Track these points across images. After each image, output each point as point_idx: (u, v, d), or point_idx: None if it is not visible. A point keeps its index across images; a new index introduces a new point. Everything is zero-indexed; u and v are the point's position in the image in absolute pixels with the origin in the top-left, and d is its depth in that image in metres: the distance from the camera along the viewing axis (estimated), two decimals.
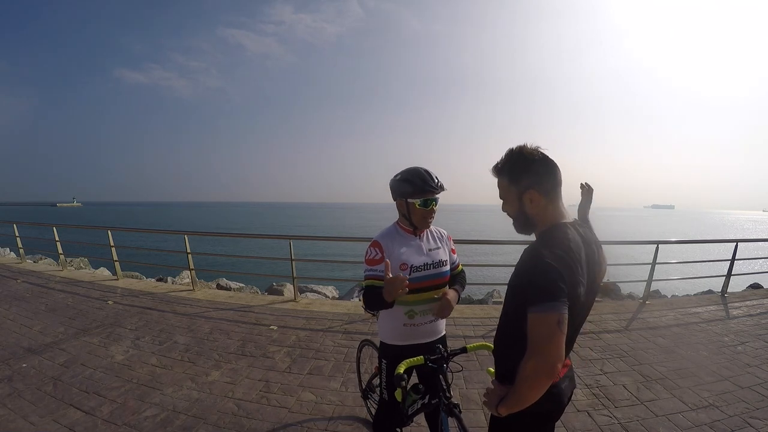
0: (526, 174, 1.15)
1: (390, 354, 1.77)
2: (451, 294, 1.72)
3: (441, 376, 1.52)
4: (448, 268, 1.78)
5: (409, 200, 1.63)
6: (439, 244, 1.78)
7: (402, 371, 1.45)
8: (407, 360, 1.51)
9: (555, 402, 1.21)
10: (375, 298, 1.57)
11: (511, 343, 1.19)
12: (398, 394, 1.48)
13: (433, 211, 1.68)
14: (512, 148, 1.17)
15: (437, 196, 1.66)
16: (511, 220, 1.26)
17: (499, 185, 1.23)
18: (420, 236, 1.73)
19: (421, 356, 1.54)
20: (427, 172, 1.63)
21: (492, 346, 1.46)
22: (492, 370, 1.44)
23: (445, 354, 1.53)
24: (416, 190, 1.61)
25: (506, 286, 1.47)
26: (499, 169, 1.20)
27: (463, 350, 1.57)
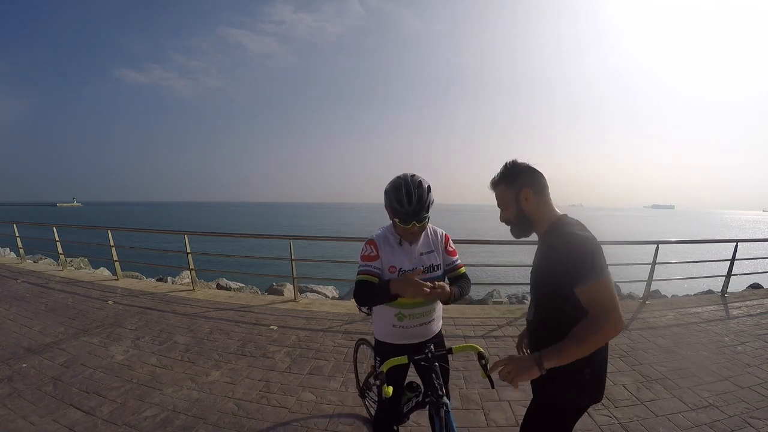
0: (519, 176, 1.36)
1: (382, 351, 1.79)
2: (447, 287, 1.57)
3: (433, 375, 1.54)
4: (440, 272, 1.74)
5: (393, 216, 1.62)
6: (432, 248, 1.74)
7: (385, 370, 1.47)
8: (391, 359, 1.53)
9: (599, 393, 1.29)
10: (368, 292, 1.60)
11: (555, 331, 1.23)
12: (386, 391, 1.48)
13: (415, 230, 1.62)
14: (506, 162, 1.40)
15: (422, 216, 1.58)
16: (509, 226, 1.42)
17: (497, 194, 1.42)
18: (411, 241, 1.71)
19: (406, 356, 1.55)
20: (408, 191, 1.54)
21: (480, 348, 1.51)
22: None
23: (430, 354, 1.54)
24: (393, 210, 1.58)
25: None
26: (497, 180, 1.41)
27: (449, 351, 1.58)
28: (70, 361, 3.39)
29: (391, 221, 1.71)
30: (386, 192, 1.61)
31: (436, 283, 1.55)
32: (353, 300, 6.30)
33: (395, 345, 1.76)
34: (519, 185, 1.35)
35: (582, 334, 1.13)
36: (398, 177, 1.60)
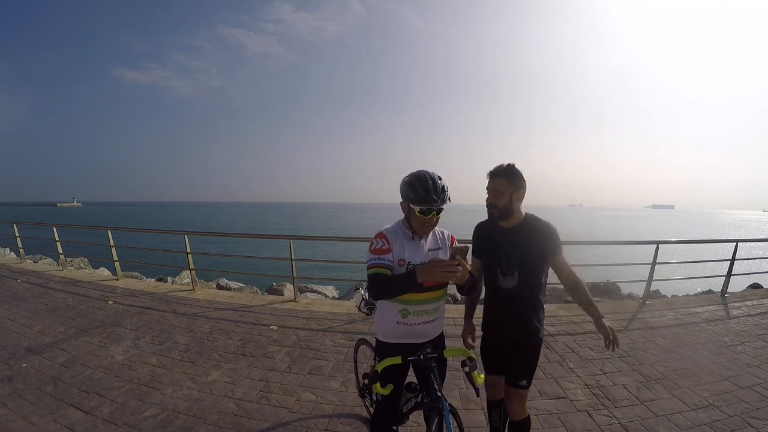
0: (519, 180, 1.76)
1: (382, 352, 1.78)
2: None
3: (432, 376, 1.56)
4: None
5: (411, 205, 1.63)
6: (440, 245, 1.77)
7: (380, 370, 1.48)
8: (386, 359, 1.54)
9: None
10: (387, 283, 1.58)
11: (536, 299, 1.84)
12: (377, 389, 1.48)
13: (433, 221, 1.66)
14: (509, 163, 1.78)
15: (442, 207, 1.63)
16: (491, 209, 1.82)
17: (497, 184, 1.77)
18: (422, 237, 1.73)
19: (400, 356, 1.56)
20: (433, 180, 1.62)
21: (471, 354, 1.59)
22: (482, 376, 1.53)
23: (422, 356, 1.55)
24: (417, 198, 1.60)
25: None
26: (501, 173, 1.76)
27: (441, 354, 1.61)
28: (70, 361, 3.39)
29: (403, 216, 1.74)
30: (408, 183, 1.63)
31: (458, 257, 1.50)
32: (353, 300, 6.27)
33: (397, 345, 1.74)
34: (516, 185, 1.75)
35: (587, 292, 1.79)
36: (418, 171, 1.66)
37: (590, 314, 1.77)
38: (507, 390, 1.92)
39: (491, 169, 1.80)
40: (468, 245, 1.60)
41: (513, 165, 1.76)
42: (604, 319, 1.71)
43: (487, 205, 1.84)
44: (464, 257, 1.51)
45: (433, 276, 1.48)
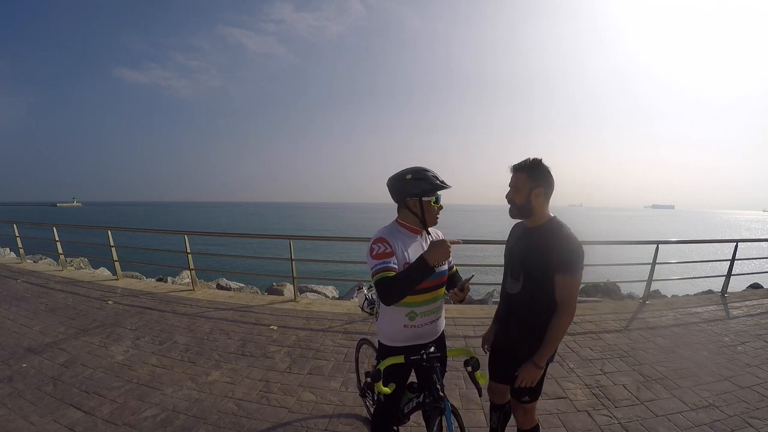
0: (541, 176, 1.62)
1: (385, 355, 1.75)
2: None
3: (435, 376, 1.55)
4: (446, 267, 1.77)
5: (424, 198, 1.63)
6: None
7: (383, 369, 1.49)
8: (389, 359, 1.54)
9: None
10: (401, 282, 1.49)
11: (540, 319, 1.61)
12: (380, 388, 1.48)
13: (442, 207, 1.71)
14: (535, 157, 1.63)
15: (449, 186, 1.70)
16: (510, 206, 1.68)
17: (517, 178, 1.65)
18: (421, 236, 1.73)
19: (402, 356, 1.56)
20: (431, 170, 1.66)
21: (473, 353, 1.58)
22: (485, 376, 1.50)
23: (425, 355, 1.55)
24: (434, 187, 1.62)
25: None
26: (522, 167, 1.64)
27: (444, 354, 1.62)
28: (70, 361, 3.39)
29: (397, 217, 1.73)
30: (415, 179, 1.62)
31: (467, 286, 1.69)
32: (354, 300, 6.24)
33: (401, 348, 1.71)
34: (537, 182, 1.61)
35: (558, 328, 1.57)
36: (411, 168, 1.66)
37: (538, 349, 1.61)
38: (512, 401, 1.85)
39: (516, 162, 1.68)
40: (473, 273, 1.74)
41: (539, 160, 1.62)
42: (535, 367, 1.60)
43: (507, 201, 1.72)
44: (468, 283, 1.68)
45: (438, 256, 1.50)
